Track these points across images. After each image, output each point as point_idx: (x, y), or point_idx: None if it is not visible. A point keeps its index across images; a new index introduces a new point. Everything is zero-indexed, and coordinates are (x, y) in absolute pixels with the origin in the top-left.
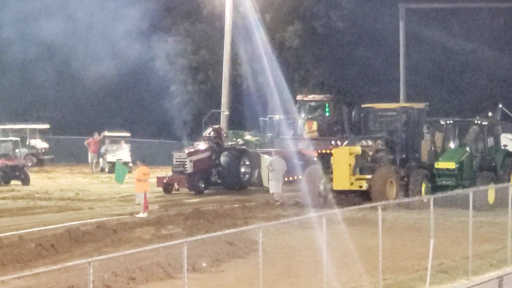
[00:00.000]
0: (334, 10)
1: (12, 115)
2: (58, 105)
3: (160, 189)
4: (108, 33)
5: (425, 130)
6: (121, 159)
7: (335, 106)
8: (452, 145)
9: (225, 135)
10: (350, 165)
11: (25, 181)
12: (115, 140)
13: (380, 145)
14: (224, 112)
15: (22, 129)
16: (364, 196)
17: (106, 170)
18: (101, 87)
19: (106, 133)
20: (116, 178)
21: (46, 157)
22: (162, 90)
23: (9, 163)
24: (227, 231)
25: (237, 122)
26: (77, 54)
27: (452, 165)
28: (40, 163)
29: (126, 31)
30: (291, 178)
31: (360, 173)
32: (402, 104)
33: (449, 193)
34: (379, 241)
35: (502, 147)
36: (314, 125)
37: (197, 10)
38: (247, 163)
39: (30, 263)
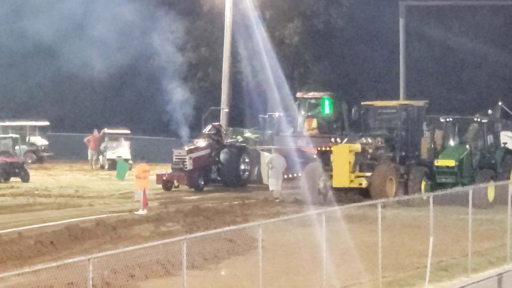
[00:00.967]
0: (334, 7)
1: (11, 112)
2: (58, 102)
3: (160, 186)
4: (108, 30)
5: (424, 127)
6: (120, 156)
7: (335, 103)
8: (451, 142)
9: (224, 132)
10: (349, 162)
11: (25, 178)
12: (114, 137)
13: (379, 143)
14: (224, 109)
15: (21, 126)
16: (364, 193)
17: (106, 167)
18: (101, 84)
19: (106, 130)
20: (117, 175)
21: (45, 154)
22: (161, 87)
23: (9, 160)
24: (227, 228)
25: (237, 119)
26: (76, 50)
27: (451, 162)
28: (39, 160)
29: (125, 28)
30: (290, 176)
31: (360, 171)
32: (402, 101)
33: (448, 190)
34: (378, 238)
35: (502, 145)
36: (314, 123)
37: (197, 7)
38: (247, 160)
39: (29, 260)
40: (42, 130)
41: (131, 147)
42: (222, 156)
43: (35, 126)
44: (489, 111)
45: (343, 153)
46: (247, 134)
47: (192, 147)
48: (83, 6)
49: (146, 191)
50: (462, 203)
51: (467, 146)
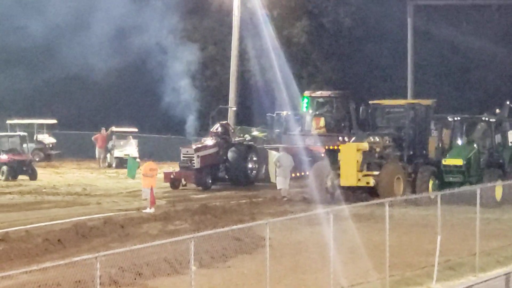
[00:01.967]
0: (342, 6)
1: (19, 110)
2: (65, 100)
3: (167, 184)
4: (116, 28)
5: (432, 126)
6: (128, 154)
7: (342, 102)
8: (459, 141)
9: (232, 130)
10: (357, 161)
11: (33, 176)
12: (122, 136)
13: (387, 142)
14: (232, 107)
15: (29, 124)
16: (371, 192)
17: (114, 165)
18: (109, 82)
19: (114, 129)
20: (128, 173)
21: (53, 152)
22: (169, 85)
23: (17, 158)
24: (234, 226)
25: (245, 118)
26: (84, 48)
27: (459, 161)
28: (47, 158)
29: (134, 27)
30: (298, 174)
31: (368, 170)
32: (409, 100)
33: (456, 189)
34: (386, 237)
35: (510, 144)
36: (322, 121)
37: (205, 5)
38: (255, 159)
39: (37, 258)
40: (50, 128)
41: (139, 146)
42: (230, 155)
43: (43, 124)
44: (497, 110)
45: (351, 152)
46: (255, 132)
47: (200, 145)
48: (90, 4)
49: (153, 189)
50: (469, 202)
51: (475, 145)
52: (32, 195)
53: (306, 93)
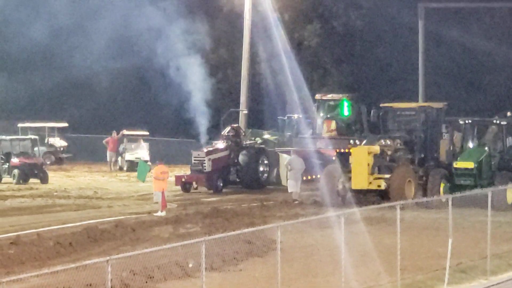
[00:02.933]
0: (353, 9)
1: (30, 114)
2: (76, 103)
3: (179, 187)
4: (127, 31)
5: (443, 129)
6: (139, 158)
7: (353, 105)
8: (470, 144)
9: (243, 134)
10: (368, 164)
11: (44, 179)
12: (133, 139)
13: (398, 145)
14: (243, 111)
15: (41, 127)
16: (383, 195)
17: (125, 168)
18: (120, 85)
19: (125, 132)
20: (138, 176)
21: (64, 155)
22: (180, 88)
23: (28, 161)
24: (246, 230)
25: (256, 121)
26: (95, 51)
27: (470, 164)
28: (58, 161)
29: (144, 29)
30: (309, 177)
31: (379, 173)
32: (420, 103)
33: (467, 192)
34: (397, 240)
35: None
36: (333, 124)
37: (216, 9)
38: (266, 162)
39: (48, 261)
40: (61, 132)
41: (150, 149)
42: (241, 158)
43: (54, 128)
44: (508, 113)
45: (362, 155)
46: (266, 135)
47: (211, 148)
48: (100, 7)
49: (165, 192)
50: (481, 205)
51: (486, 148)
52: (43, 199)
53: (317, 96)
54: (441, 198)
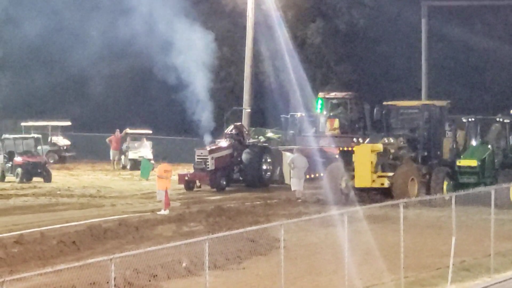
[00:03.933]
0: (356, 8)
1: (34, 112)
2: (80, 102)
3: (182, 186)
4: (130, 29)
5: (447, 127)
6: (142, 156)
7: (357, 103)
8: (474, 142)
9: (246, 132)
10: (372, 162)
11: (47, 178)
12: (137, 137)
13: (401, 143)
14: (246, 109)
15: (44, 126)
16: (386, 193)
17: (128, 167)
18: (123, 84)
19: (128, 130)
20: (141, 174)
21: (68, 154)
22: (183, 87)
23: (31, 160)
24: (249, 228)
25: (259, 120)
26: (98, 50)
27: (474, 162)
28: (62, 160)
29: (148, 28)
30: (312, 176)
31: (382, 171)
32: (424, 101)
33: (471, 190)
34: (400, 238)
35: None
36: (336, 123)
37: (219, 7)
38: (269, 160)
39: (51, 260)
40: (64, 130)
41: (153, 147)
42: (244, 156)
43: (57, 126)
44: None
45: (365, 153)
46: (269, 134)
47: (214, 147)
48: (104, 5)
49: (168, 191)
50: (484, 203)
51: (489, 146)
52: (47, 197)
53: (320, 94)
54: (444, 196)
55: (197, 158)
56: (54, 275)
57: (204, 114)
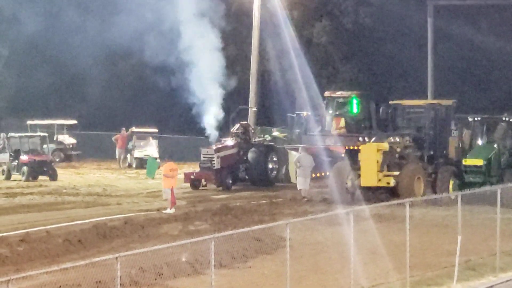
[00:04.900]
0: (362, 7)
1: (40, 111)
2: (86, 100)
3: (188, 185)
4: (135, 29)
5: (453, 127)
6: (148, 155)
7: (363, 102)
8: (480, 142)
9: (252, 131)
10: (377, 161)
11: (53, 176)
12: (142, 136)
13: (407, 142)
14: (252, 108)
15: (50, 124)
16: (392, 192)
17: (134, 165)
18: (129, 83)
19: (134, 129)
20: (147, 172)
21: (73, 152)
22: (189, 85)
23: (37, 158)
24: (255, 227)
25: (265, 118)
26: (104, 49)
27: (480, 162)
28: (67, 158)
29: (153, 27)
30: (318, 175)
31: (388, 170)
32: (430, 100)
33: (476, 190)
34: (406, 237)
35: None
36: (342, 122)
37: (225, 6)
38: (275, 159)
39: (57, 259)
40: (70, 129)
41: (159, 146)
42: (250, 155)
43: (63, 125)
44: None
45: (371, 152)
46: (275, 133)
47: (220, 146)
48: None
49: (174, 189)
50: (490, 202)
51: (495, 145)
52: (53, 196)
53: (327, 93)
54: (450, 195)
55: (203, 157)
56: (60, 274)
57: (210, 113)
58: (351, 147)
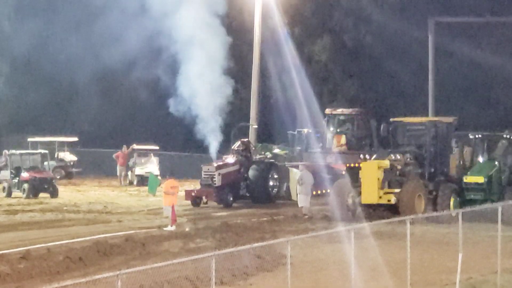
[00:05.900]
0: (363, 24)
1: (41, 128)
2: (86, 118)
3: (189, 202)
4: (137, 44)
5: (453, 144)
6: (149, 172)
7: (363, 119)
8: (480, 159)
9: (253, 148)
10: (378, 179)
11: (54, 193)
12: (143, 153)
13: (408, 159)
14: (253, 125)
15: (50, 141)
16: (393, 210)
17: (135, 183)
18: (130, 100)
19: (135, 146)
20: (149, 189)
21: (74, 169)
22: (190, 103)
23: (38, 175)
24: (255, 244)
25: (266, 136)
26: (105, 67)
27: (480, 179)
28: (68, 175)
29: (153, 45)
30: (319, 192)
31: (389, 187)
32: (430, 118)
33: (477, 207)
34: (407, 255)
35: None
36: (343, 139)
37: (226, 23)
38: (276, 176)
39: (58, 276)
40: (71, 146)
41: (160, 163)
42: (251, 172)
43: (64, 142)
44: None
45: (372, 169)
46: (276, 150)
47: (221, 163)
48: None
49: (175, 207)
50: (491, 219)
51: (496, 162)
52: (53, 213)
53: (327, 110)
54: (451, 212)
55: (204, 174)
56: None
57: (211, 130)
58: (352, 165)
